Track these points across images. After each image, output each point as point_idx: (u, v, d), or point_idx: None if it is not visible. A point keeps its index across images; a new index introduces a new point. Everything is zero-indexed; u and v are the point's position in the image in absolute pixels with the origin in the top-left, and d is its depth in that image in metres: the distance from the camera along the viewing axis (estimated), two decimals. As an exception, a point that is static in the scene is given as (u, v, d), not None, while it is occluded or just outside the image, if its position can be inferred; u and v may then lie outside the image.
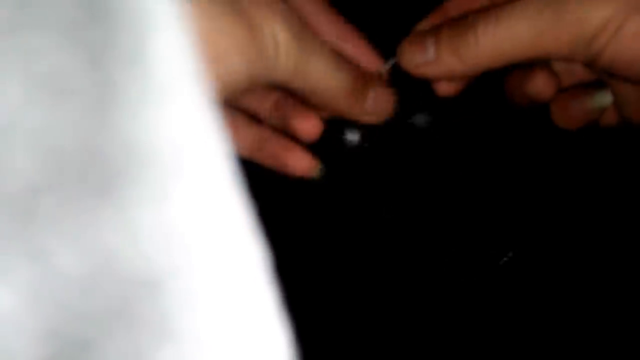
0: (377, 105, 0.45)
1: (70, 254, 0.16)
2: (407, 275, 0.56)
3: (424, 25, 0.46)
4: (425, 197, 0.55)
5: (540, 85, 0.46)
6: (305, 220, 0.57)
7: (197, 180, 0.18)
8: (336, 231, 0.56)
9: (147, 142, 0.16)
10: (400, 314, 0.56)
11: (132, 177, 0.16)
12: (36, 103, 0.15)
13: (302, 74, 0.41)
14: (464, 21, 0.43)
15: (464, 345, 0.56)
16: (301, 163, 0.47)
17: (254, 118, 0.47)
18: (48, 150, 0.15)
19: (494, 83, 0.48)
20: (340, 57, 0.44)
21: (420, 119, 0.51)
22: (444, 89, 0.47)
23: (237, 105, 0.46)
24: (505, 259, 0.55)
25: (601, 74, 0.46)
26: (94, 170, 0.16)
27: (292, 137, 0.47)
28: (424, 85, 0.47)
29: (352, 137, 0.48)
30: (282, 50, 0.40)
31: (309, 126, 0.46)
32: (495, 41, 0.42)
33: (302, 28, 0.41)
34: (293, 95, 0.46)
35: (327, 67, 0.42)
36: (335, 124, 0.47)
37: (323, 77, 0.42)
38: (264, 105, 0.47)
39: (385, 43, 0.47)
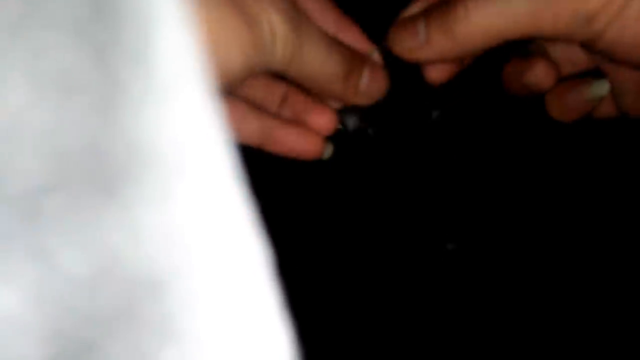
0: (370, 86, 0.45)
1: (74, 254, 0.16)
2: (407, 276, 0.56)
3: (413, 9, 0.45)
4: (420, 182, 0.55)
5: (540, 74, 0.45)
6: (307, 220, 0.57)
7: (201, 180, 0.18)
8: (337, 231, 0.56)
9: (152, 142, 0.16)
10: (400, 314, 0.56)
11: (136, 176, 0.16)
12: (41, 102, 0.15)
13: (298, 62, 0.41)
14: (454, 0, 0.42)
15: (459, 343, 0.56)
16: (312, 146, 0.47)
17: (261, 108, 0.47)
18: (53, 149, 0.15)
19: (492, 72, 0.47)
20: (333, 42, 0.44)
21: (413, 104, 0.50)
22: (436, 74, 0.46)
23: (244, 96, 0.46)
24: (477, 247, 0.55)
25: (600, 60, 0.45)
26: (98, 170, 0.16)
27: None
28: (417, 70, 0.46)
29: (351, 122, 0.48)
30: (279, 40, 0.40)
31: (325, 120, 0.46)
32: (488, 17, 0.41)
33: (298, 17, 0.41)
34: (302, 89, 0.46)
35: (322, 54, 0.42)
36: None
37: (318, 64, 0.42)
38: (271, 97, 0.47)
39: (377, 29, 0.47)
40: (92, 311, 0.16)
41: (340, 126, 0.48)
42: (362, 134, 0.48)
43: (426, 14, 0.43)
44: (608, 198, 0.55)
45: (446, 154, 0.55)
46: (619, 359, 0.54)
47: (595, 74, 0.46)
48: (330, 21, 0.45)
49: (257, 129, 0.46)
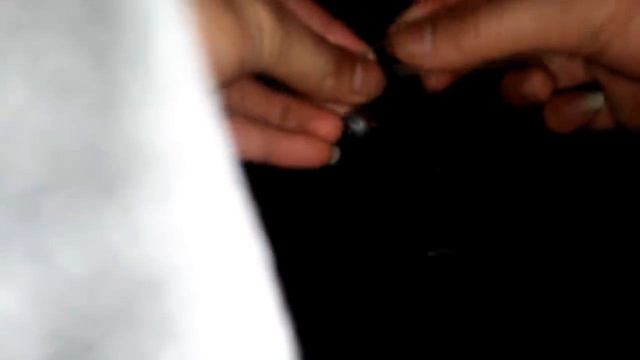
0: (365, 84, 0.45)
1: (74, 254, 0.16)
2: (407, 277, 0.56)
3: (415, 12, 0.45)
4: (417, 190, 0.55)
5: (537, 85, 0.46)
6: (306, 220, 0.57)
7: (200, 181, 0.18)
8: (337, 231, 0.56)
9: (151, 142, 0.16)
10: (399, 314, 0.56)
11: (135, 177, 0.16)
12: (41, 103, 0.15)
13: (287, 58, 0.41)
14: (464, 11, 0.42)
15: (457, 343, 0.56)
16: (319, 152, 0.46)
17: (263, 123, 0.47)
18: (52, 150, 0.15)
19: (490, 81, 0.48)
20: (322, 40, 0.43)
21: (411, 106, 0.50)
22: (436, 82, 0.46)
23: (245, 112, 0.46)
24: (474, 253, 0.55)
25: (600, 74, 0.45)
26: (97, 170, 0.16)
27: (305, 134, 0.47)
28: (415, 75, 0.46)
29: (357, 127, 0.48)
30: (266, 34, 0.40)
31: (331, 126, 0.46)
32: (498, 33, 0.41)
33: (284, 12, 0.41)
34: (303, 99, 0.46)
35: (310, 50, 0.42)
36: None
37: (307, 61, 0.42)
38: (272, 111, 0.47)
39: (369, 30, 0.46)
40: (92, 311, 0.16)
41: (348, 131, 0.47)
42: (371, 136, 0.48)
43: (433, 22, 0.43)
44: (604, 208, 0.56)
45: (442, 161, 0.55)
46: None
47: (591, 87, 0.46)
48: (318, 23, 0.45)
49: (261, 144, 0.46)
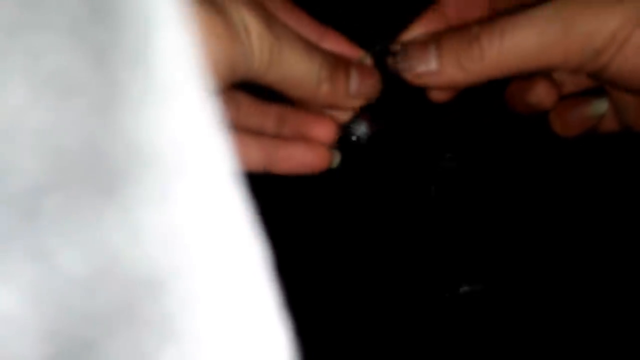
0: (361, 87, 0.45)
1: (74, 254, 0.16)
2: (405, 276, 0.56)
3: (421, 28, 0.46)
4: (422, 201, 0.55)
5: (541, 94, 0.46)
6: (306, 220, 0.56)
7: (200, 180, 0.18)
8: (337, 231, 0.56)
9: (150, 142, 0.16)
10: (399, 314, 0.56)
11: (135, 177, 0.16)
12: (40, 103, 0.15)
13: (278, 63, 0.41)
14: (468, 32, 0.43)
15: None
16: (319, 156, 0.46)
17: (259, 134, 0.47)
18: (52, 150, 0.15)
19: (495, 90, 0.48)
20: (313, 45, 0.44)
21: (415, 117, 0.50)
22: (439, 96, 0.47)
23: (241, 125, 0.46)
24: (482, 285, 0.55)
25: (604, 84, 0.46)
26: (97, 170, 0.16)
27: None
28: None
29: (360, 131, 0.48)
30: (254, 38, 0.40)
31: (326, 129, 0.46)
32: (501, 54, 0.42)
33: (271, 18, 0.41)
34: (297, 106, 0.46)
35: (302, 54, 0.42)
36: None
37: (299, 64, 0.42)
38: (267, 121, 0.47)
39: (364, 38, 0.47)
40: (92, 311, 0.16)
41: (352, 136, 0.47)
42: (374, 139, 0.48)
43: (438, 43, 0.44)
44: (610, 211, 0.55)
45: (445, 168, 0.55)
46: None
47: (596, 92, 0.47)
48: (310, 31, 0.45)
49: (260, 154, 0.46)
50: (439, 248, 0.55)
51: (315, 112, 0.46)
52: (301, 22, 0.45)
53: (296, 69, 0.42)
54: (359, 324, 0.56)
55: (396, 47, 0.45)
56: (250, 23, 0.40)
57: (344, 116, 0.47)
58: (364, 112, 0.46)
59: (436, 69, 0.43)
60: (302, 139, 0.46)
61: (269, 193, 0.45)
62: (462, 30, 0.43)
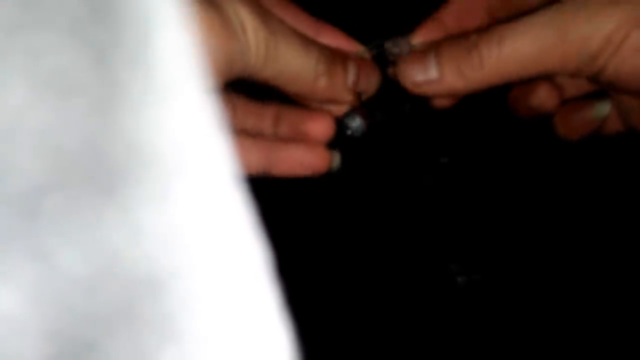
0: (360, 81, 0.45)
1: (74, 254, 0.16)
2: (405, 275, 0.56)
3: (420, 38, 0.46)
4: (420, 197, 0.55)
5: (543, 97, 0.47)
6: (307, 220, 0.56)
7: (200, 180, 0.18)
8: (338, 231, 0.56)
9: (151, 142, 0.16)
10: (399, 314, 0.56)
11: (135, 176, 0.16)
12: (41, 102, 0.15)
13: (274, 58, 0.41)
14: (466, 40, 0.43)
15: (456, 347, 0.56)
16: (319, 158, 0.46)
17: (256, 135, 0.47)
18: (52, 149, 0.15)
19: (497, 93, 0.48)
20: (309, 40, 0.44)
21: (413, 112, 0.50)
22: (441, 102, 0.47)
23: (237, 127, 0.46)
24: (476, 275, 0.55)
25: (603, 87, 0.46)
26: (97, 170, 0.16)
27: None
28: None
29: (355, 125, 0.47)
30: (249, 32, 0.40)
31: (322, 125, 0.46)
32: (500, 61, 0.42)
33: (265, 13, 0.41)
34: (293, 104, 0.46)
35: (298, 48, 0.42)
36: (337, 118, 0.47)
37: (296, 59, 0.42)
38: (264, 121, 0.47)
39: (362, 33, 0.47)
40: (92, 311, 0.16)
41: (347, 130, 0.47)
42: (370, 133, 0.48)
43: (437, 51, 0.44)
44: (612, 212, 0.56)
45: (443, 164, 0.55)
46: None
47: (599, 94, 0.47)
48: (307, 27, 0.45)
49: (258, 157, 0.46)
50: (436, 239, 0.55)
51: (311, 109, 0.46)
52: (297, 18, 0.45)
53: (293, 63, 0.42)
54: (358, 321, 0.56)
55: (395, 49, 0.45)
56: (246, 19, 0.40)
57: (342, 110, 0.47)
58: (359, 106, 0.46)
59: (436, 78, 0.44)
60: (300, 138, 0.46)
61: (268, 192, 0.45)
62: (461, 39, 0.44)
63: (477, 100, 0.48)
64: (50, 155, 0.15)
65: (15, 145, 0.15)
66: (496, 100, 0.49)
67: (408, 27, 0.47)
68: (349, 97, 0.45)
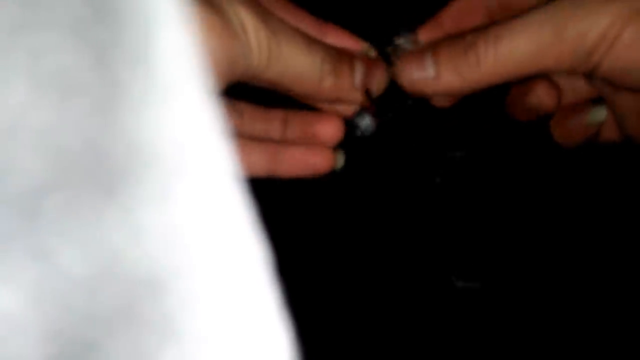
0: (368, 80, 0.45)
1: (74, 254, 0.16)
2: (405, 275, 0.56)
3: (420, 37, 0.46)
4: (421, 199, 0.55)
5: (541, 95, 0.47)
6: (307, 220, 0.56)
7: (201, 180, 0.18)
8: (338, 230, 0.56)
9: (152, 142, 0.16)
10: (399, 314, 0.56)
11: (136, 176, 0.16)
12: (42, 102, 0.15)
13: (277, 58, 0.41)
14: (463, 39, 0.43)
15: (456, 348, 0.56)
16: (322, 158, 0.46)
17: (264, 140, 0.47)
18: (53, 149, 0.15)
19: (495, 94, 0.48)
20: (312, 39, 0.43)
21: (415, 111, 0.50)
22: (439, 102, 0.47)
23: (245, 132, 0.46)
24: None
25: (601, 87, 0.47)
26: (98, 169, 0.16)
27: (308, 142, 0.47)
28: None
29: (364, 125, 0.47)
30: (250, 32, 0.40)
31: (331, 128, 0.46)
32: (497, 60, 0.42)
33: (266, 13, 0.41)
34: (301, 107, 0.46)
35: (300, 47, 0.42)
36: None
37: (300, 59, 0.42)
38: (272, 126, 0.47)
39: (365, 30, 0.46)
40: (92, 311, 0.16)
41: (357, 130, 0.47)
42: (379, 132, 0.48)
43: (434, 50, 0.44)
44: (609, 217, 0.56)
45: (447, 165, 0.55)
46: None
47: (595, 101, 0.47)
48: (310, 27, 0.45)
49: (264, 159, 0.46)
50: (439, 243, 0.55)
51: (319, 112, 0.46)
52: (300, 19, 0.45)
53: (296, 63, 0.42)
54: (357, 322, 0.56)
55: (405, 44, 0.45)
56: (246, 19, 0.40)
57: (350, 110, 0.47)
58: (369, 105, 0.46)
59: (433, 76, 0.44)
60: (309, 140, 0.46)
61: (269, 192, 0.45)
62: (458, 38, 0.44)
63: (476, 101, 0.48)
64: (50, 155, 0.15)
65: (15, 144, 0.15)
66: (494, 102, 0.49)
67: (410, 25, 0.47)
68: (357, 97, 0.45)
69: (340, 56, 0.44)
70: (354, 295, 0.56)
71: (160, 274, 0.17)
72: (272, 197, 0.46)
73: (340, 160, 0.47)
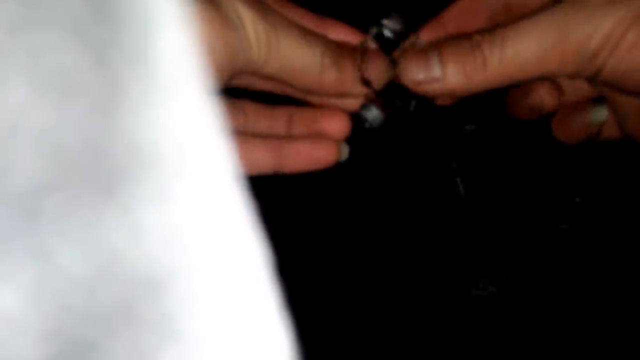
0: (370, 71, 0.45)
1: (74, 254, 0.16)
2: (406, 275, 0.56)
3: (423, 37, 0.46)
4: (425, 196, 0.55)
5: (543, 94, 0.47)
6: (307, 220, 0.56)
7: (200, 180, 0.18)
8: (338, 230, 0.56)
9: (151, 142, 0.16)
10: (399, 314, 0.56)
11: (136, 176, 0.16)
12: (41, 102, 0.15)
13: (276, 51, 0.41)
14: (469, 40, 0.43)
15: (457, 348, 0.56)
16: (327, 150, 0.46)
17: (269, 137, 0.47)
18: (52, 149, 0.15)
19: (496, 96, 0.48)
20: (312, 33, 0.43)
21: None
22: (442, 100, 0.47)
23: (251, 131, 0.46)
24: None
25: (602, 88, 0.47)
26: (98, 169, 0.16)
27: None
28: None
29: (372, 117, 0.47)
30: (248, 26, 0.40)
31: (338, 122, 0.46)
32: (502, 62, 0.43)
33: (264, 7, 0.41)
34: (307, 104, 0.46)
35: (299, 40, 0.42)
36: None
37: (299, 52, 0.42)
38: (277, 123, 0.47)
39: (362, 25, 0.46)
40: (92, 311, 0.16)
41: (365, 123, 0.47)
42: (387, 123, 0.48)
43: (440, 50, 0.44)
44: (611, 217, 0.56)
45: (456, 158, 0.55)
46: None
47: (596, 100, 0.47)
48: (308, 23, 0.45)
49: (269, 156, 0.46)
50: (454, 248, 0.55)
51: (325, 107, 0.46)
52: (299, 16, 0.45)
53: (296, 56, 0.42)
54: (359, 322, 0.56)
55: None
56: (244, 13, 0.40)
57: (353, 103, 0.46)
58: (374, 97, 0.46)
59: (439, 77, 0.43)
60: (316, 136, 0.46)
61: (269, 191, 0.45)
62: (464, 39, 0.44)
63: (477, 100, 0.48)
64: (50, 155, 0.15)
65: (15, 144, 0.15)
66: (495, 101, 0.49)
67: (412, 24, 0.47)
68: (359, 89, 0.45)
69: (340, 49, 0.44)
70: (356, 295, 0.56)
71: (160, 274, 0.17)
72: (274, 196, 0.45)
73: (344, 152, 0.47)
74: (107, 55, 0.16)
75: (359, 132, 0.47)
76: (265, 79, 0.43)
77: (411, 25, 0.46)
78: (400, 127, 0.51)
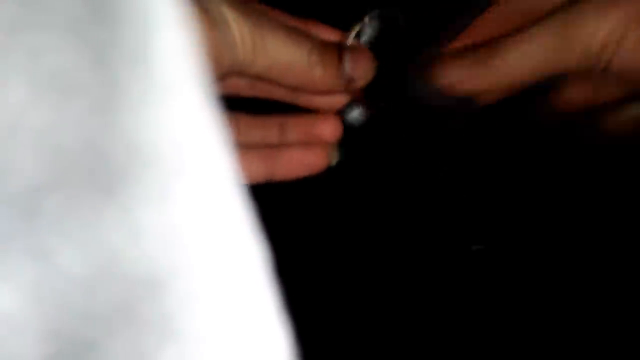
0: (356, 68, 0.45)
1: (74, 254, 0.16)
2: (406, 273, 0.56)
3: (455, 46, 0.47)
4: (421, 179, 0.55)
5: (575, 92, 0.48)
6: (306, 220, 0.56)
7: (200, 180, 0.18)
8: (337, 230, 0.56)
9: (151, 142, 0.17)
10: (399, 313, 0.56)
11: (135, 176, 0.16)
12: (40, 102, 0.15)
13: (261, 48, 0.41)
14: (482, 48, 0.45)
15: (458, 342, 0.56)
16: (318, 155, 0.47)
17: (262, 146, 0.48)
18: (52, 149, 0.15)
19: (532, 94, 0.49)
20: (297, 31, 0.44)
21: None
22: (485, 97, 0.49)
23: (243, 142, 0.47)
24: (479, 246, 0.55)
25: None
26: (97, 169, 0.16)
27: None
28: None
29: (355, 115, 0.47)
30: (232, 24, 0.40)
31: (331, 126, 0.47)
32: (513, 67, 0.44)
33: (248, 6, 0.42)
34: (298, 111, 0.46)
35: (285, 38, 0.42)
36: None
37: (285, 48, 0.42)
38: (268, 132, 0.47)
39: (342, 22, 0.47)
40: (91, 310, 0.16)
41: (346, 122, 0.47)
42: (370, 123, 0.48)
43: (454, 57, 0.46)
44: (612, 204, 0.56)
45: (448, 148, 0.55)
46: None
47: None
48: (290, 23, 0.46)
49: (261, 166, 0.46)
50: (448, 209, 0.55)
51: (317, 112, 0.47)
52: (281, 18, 0.46)
53: (283, 55, 0.42)
54: (359, 321, 0.56)
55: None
56: (227, 13, 0.40)
57: (340, 101, 0.47)
58: (358, 96, 0.47)
59: (455, 82, 0.45)
60: (309, 141, 0.47)
61: (268, 191, 0.45)
62: (477, 46, 0.45)
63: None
64: (50, 155, 0.15)
65: (15, 144, 0.15)
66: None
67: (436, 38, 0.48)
68: (346, 86, 0.45)
69: (326, 47, 0.44)
70: (355, 294, 0.56)
71: (160, 274, 0.17)
72: (270, 197, 0.46)
73: (334, 156, 0.47)
74: (106, 55, 0.16)
75: (342, 131, 0.47)
76: (252, 79, 0.43)
77: (393, 23, 0.46)
78: (386, 127, 0.51)
